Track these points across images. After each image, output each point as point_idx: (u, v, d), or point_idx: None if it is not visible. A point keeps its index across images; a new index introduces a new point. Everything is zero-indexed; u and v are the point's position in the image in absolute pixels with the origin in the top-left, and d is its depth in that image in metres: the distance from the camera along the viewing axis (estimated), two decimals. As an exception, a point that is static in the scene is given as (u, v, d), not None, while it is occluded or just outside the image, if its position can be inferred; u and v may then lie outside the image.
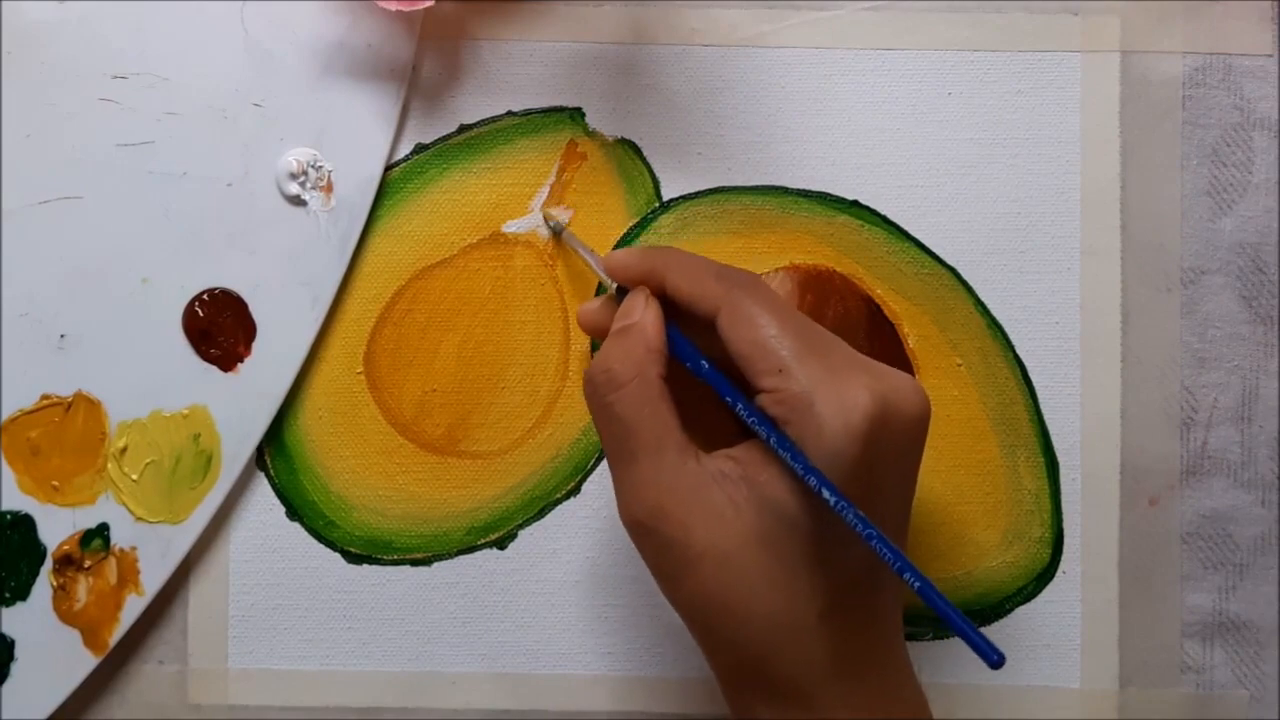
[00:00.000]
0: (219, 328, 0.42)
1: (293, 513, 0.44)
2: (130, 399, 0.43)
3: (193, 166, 0.43)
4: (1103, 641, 0.44)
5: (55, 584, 0.42)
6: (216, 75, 0.43)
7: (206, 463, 0.43)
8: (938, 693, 0.44)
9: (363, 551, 0.44)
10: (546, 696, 0.44)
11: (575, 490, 0.44)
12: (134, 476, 0.43)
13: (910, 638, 0.44)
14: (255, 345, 0.43)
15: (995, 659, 0.31)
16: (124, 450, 0.42)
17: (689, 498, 0.34)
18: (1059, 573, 0.44)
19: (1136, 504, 0.44)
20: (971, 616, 0.44)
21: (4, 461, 0.42)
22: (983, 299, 0.44)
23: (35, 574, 0.42)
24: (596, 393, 0.36)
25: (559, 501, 0.44)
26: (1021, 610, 0.44)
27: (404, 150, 0.44)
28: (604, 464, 0.44)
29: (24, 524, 0.42)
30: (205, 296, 0.42)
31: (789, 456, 0.33)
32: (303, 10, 0.43)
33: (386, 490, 0.44)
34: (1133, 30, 0.44)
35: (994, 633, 0.44)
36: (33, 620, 0.42)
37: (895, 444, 0.34)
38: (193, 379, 0.43)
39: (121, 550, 0.43)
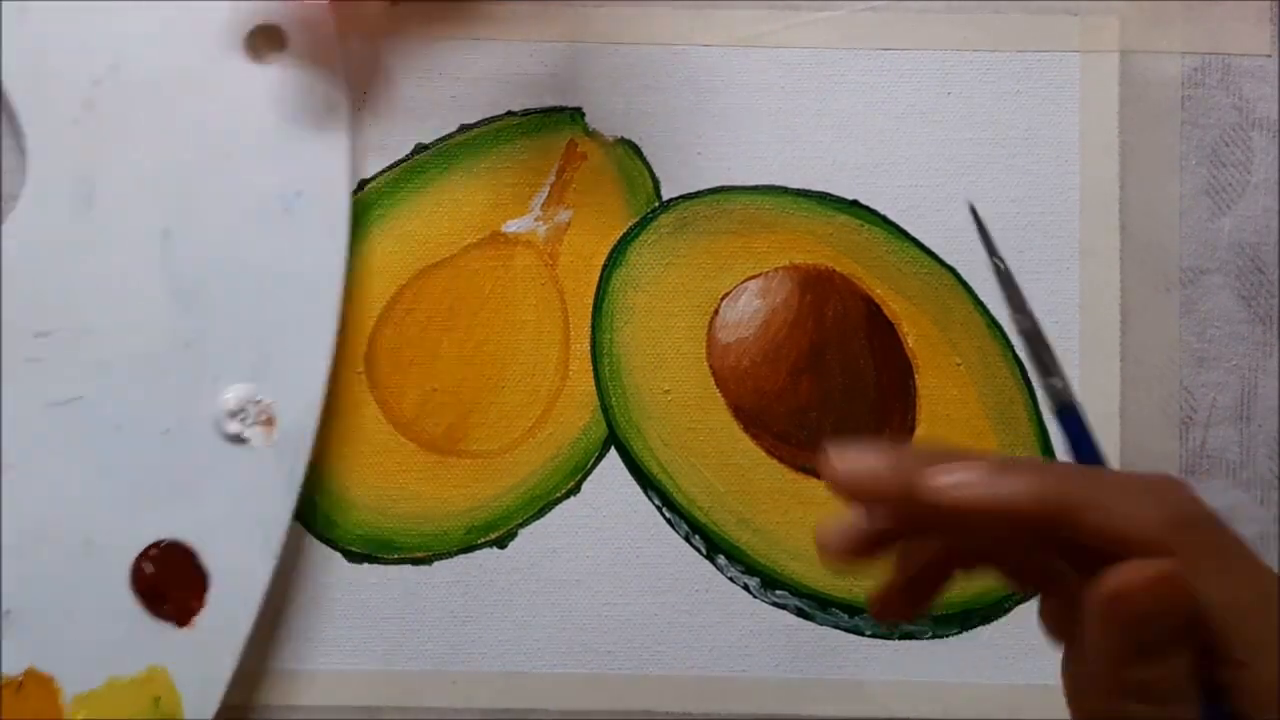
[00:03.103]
0: (169, 582, 0.41)
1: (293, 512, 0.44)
2: (83, 669, 0.41)
3: (126, 418, 0.41)
4: (1102, 641, 0.44)
5: None
6: (143, 319, 0.41)
7: None
8: (938, 692, 0.44)
9: (363, 550, 0.44)
10: (546, 696, 0.44)
11: (575, 489, 0.44)
12: None
13: (908, 636, 0.44)
14: (209, 595, 0.41)
15: None
16: None
17: None
18: (1058, 572, 0.44)
19: (1136, 503, 0.44)
20: (971, 615, 0.44)
21: None
22: (982, 299, 0.44)
23: None
24: None
25: (559, 501, 0.44)
26: (1021, 609, 0.44)
27: (404, 150, 0.44)
28: (603, 463, 0.44)
29: None
30: (152, 551, 0.41)
31: None
32: (226, 239, 0.41)
33: (387, 489, 0.44)
34: (1132, 30, 0.44)
35: (994, 631, 0.44)
36: None
37: None
38: (147, 639, 0.41)
39: None
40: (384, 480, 0.44)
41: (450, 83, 0.44)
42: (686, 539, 0.44)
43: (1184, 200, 0.44)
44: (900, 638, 0.44)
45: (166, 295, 0.41)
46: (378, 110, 0.44)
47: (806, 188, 0.44)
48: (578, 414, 0.44)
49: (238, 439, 0.41)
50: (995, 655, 0.44)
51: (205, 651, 0.41)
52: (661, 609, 0.44)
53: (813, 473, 0.44)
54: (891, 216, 0.44)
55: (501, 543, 0.44)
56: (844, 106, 0.44)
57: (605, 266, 0.44)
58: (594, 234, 0.44)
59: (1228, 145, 0.44)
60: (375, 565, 0.44)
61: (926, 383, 0.44)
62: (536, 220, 0.44)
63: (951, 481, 0.26)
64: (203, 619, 0.41)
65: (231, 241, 0.42)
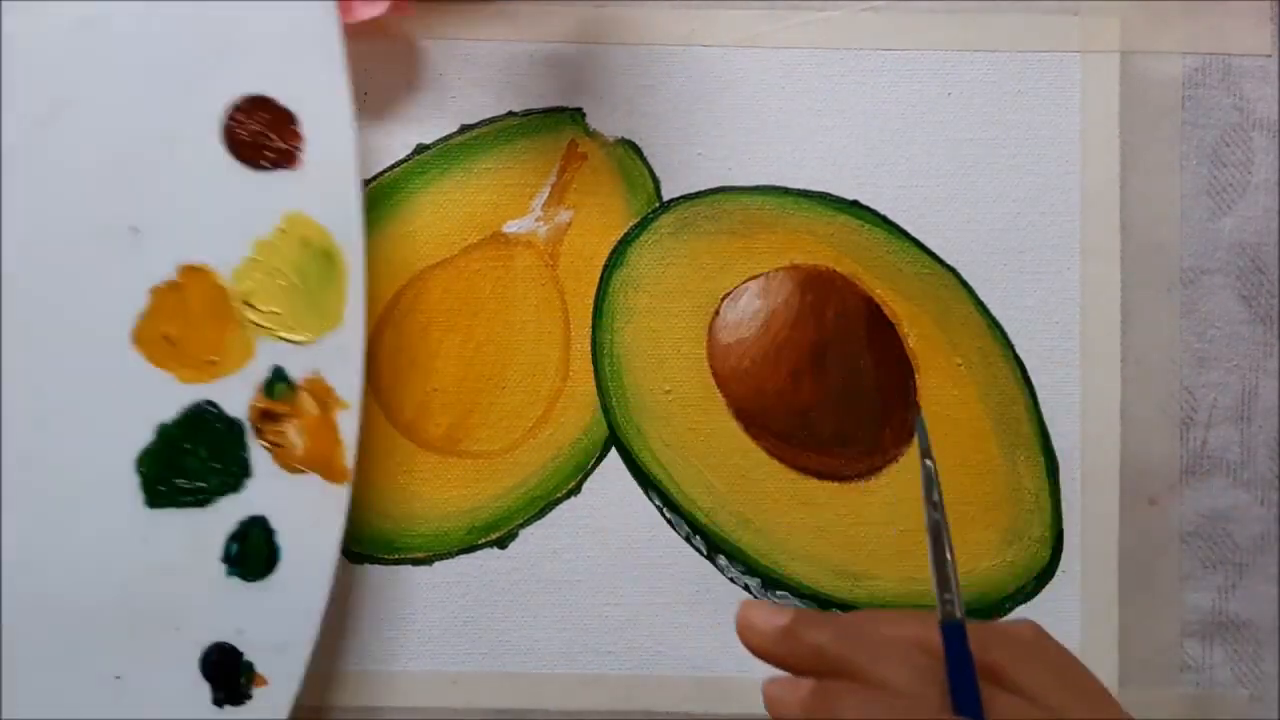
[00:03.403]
0: (262, 133, 0.41)
1: (293, 512, 0.44)
2: (226, 245, 0.41)
3: (150, 7, 0.41)
4: (1103, 641, 0.44)
5: (268, 444, 0.41)
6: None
7: (329, 259, 0.41)
8: (938, 692, 0.44)
9: (364, 551, 0.44)
10: (546, 696, 0.44)
11: (575, 490, 0.44)
12: (275, 309, 0.41)
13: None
14: (302, 129, 0.41)
15: None
16: (251, 292, 0.41)
17: None
18: (1059, 572, 0.44)
19: (1136, 504, 0.44)
20: (971, 616, 0.44)
21: (154, 368, 0.41)
22: (983, 299, 0.44)
23: (244, 447, 0.41)
24: None
25: (559, 501, 0.44)
26: (1021, 610, 0.44)
27: (405, 151, 0.44)
28: (604, 463, 0.44)
29: (207, 411, 0.41)
30: (233, 115, 0.41)
31: None
32: None
33: (387, 490, 0.44)
34: (1133, 30, 0.44)
35: (994, 632, 0.44)
36: (269, 488, 0.41)
37: None
38: (268, 193, 0.41)
39: (306, 379, 0.41)
40: (384, 480, 0.44)
41: (450, 83, 0.44)
42: (687, 539, 0.44)
43: (1184, 200, 0.44)
44: (900, 638, 0.44)
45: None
46: (378, 110, 0.44)
47: (806, 188, 0.44)
48: (578, 414, 0.44)
49: None
50: (996, 655, 0.44)
51: (325, 180, 0.41)
52: (661, 609, 0.44)
53: (814, 473, 0.44)
54: (891, 216, 0.44)
55: (502, 543, 0.44)
56: (844, 106, 0.44)
57: (606, 267, 0.44)
58: (594, 234, 0.44)
59: (1228, 145, 0.44)
60: (375, 565, 0.44)
61: (927, 383, 0.44)
62: (537, 221, 0.44)
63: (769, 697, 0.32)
64: (308, 152, 0.41)
65: None
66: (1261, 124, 0.44)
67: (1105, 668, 0.44)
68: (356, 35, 0.44)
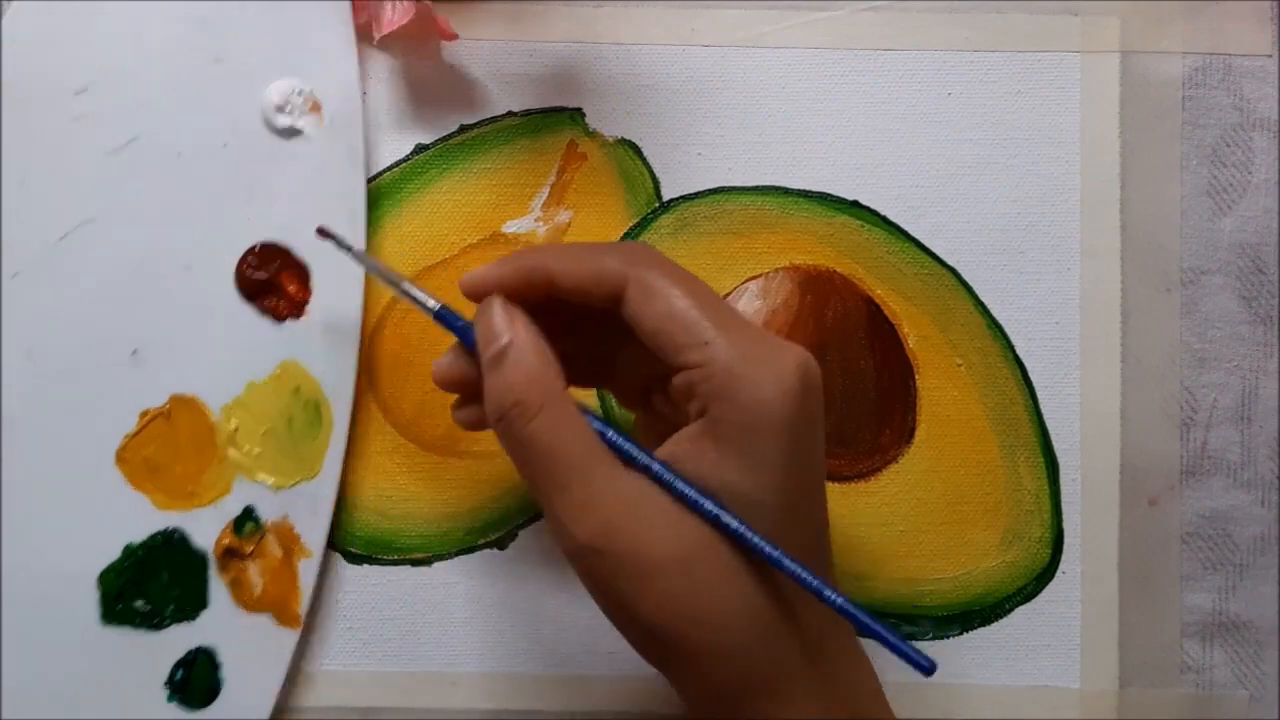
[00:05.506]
0: (272, 281, 0.42)
1: (293, 513, 0.44)
2: (221, 382, 0.42)
3: (183, 144, 0.43)
4: (1103, 641, 0.44)
5: (227, 580, 0.42)
6: (169, 48, 0.43)
7: (316, 410, 0.43)
8: (937, 693, 0.44)
9: (363, 551, 0.44)
10: (546, 696, 0.44)
11: (575, 490, 0.44)
12: (256, 451, 0.43)
13: (908, 637, 0.44)
14: (313, 284, 0.43)
15: (926, 665, 0.32)
16: (236, 430, 0.42)
17: (636, 508, 0.33)
18: (1059, 573, 0.44)
19: (1136, 504, 0.44)
20: (971, 616, 0.44)
21: (132, 489, 0.42)
22: (983, 299, 0.44)
23: (205, 579, 0.42)
24: (511, 428, 0.33)
25: (559, 501, 0.44)
26: (1021, 610, 0.44)
27: (404, 150, 0.44)
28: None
29: (175, 539, 0.42)
30: (249, 258, 0.42)
31: (690, 496, 0.33)
32: None
33: (387, 490, 0.44)
34: (1132, 31, 0.44)
35: (994, 632, 0.44)
36: (222, 622, 0.42)
37: (814, 409, 0.33)
38: (270, 338, 0.43)
39: (274, 523, 0.43)
40: (384, 481, 0.44)
41: (450, 83, 0.44)
42: (686, 539, 0.44)
43: (1185, 200, 0.44)
44: (900, 638, 0.44)
45: (184, 19, 0.43)
46: (377, 110, 0.44)
47: (806, 188, 0.44)
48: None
49: (292, 131, 0.42)
50: (995, 655, 0.44)
51: (327, 336, 0.43)
52: (661, 609, 0.44)
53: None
54: (891, 216, 0.44)
55: (501, 543, 0.44)
56: (844, 106, 0.44)
57: (605, 267, 0.44)
58: (594, 235, 0.44)
59: (1228, 145, 0.44)
60: (375, 566, 0.44)
61: (927, 383, 0.44)
62: (537, 221, 0.44)
63: (473, 276, 0.36)
64: (314, 307, 0.43)
65: None
66: (1261, 124, 0.44)
67: (1105, 668, 0.44)
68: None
